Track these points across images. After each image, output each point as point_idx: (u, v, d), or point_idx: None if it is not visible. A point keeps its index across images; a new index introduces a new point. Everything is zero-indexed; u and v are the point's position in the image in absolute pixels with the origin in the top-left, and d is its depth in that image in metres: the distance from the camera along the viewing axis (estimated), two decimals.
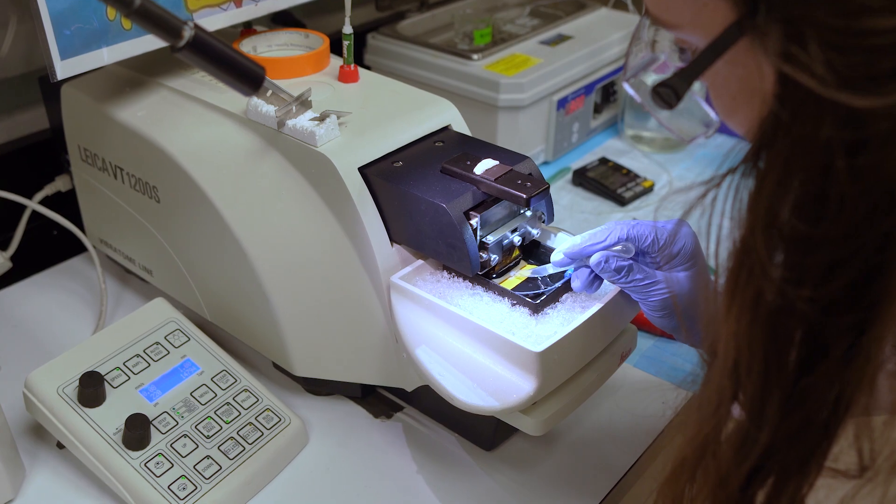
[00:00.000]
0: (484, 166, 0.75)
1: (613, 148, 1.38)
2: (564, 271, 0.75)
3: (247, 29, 0.97)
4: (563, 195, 1.25)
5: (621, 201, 1.21)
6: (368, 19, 1.44)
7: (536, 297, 0.73)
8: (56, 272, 1.08)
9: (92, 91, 0.92)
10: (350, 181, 0.75)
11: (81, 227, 1.04)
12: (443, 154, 0.79)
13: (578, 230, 1.13)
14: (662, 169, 1.31)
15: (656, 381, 0.90)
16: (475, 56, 1.23)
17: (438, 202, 0.72)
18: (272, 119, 0.78)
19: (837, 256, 0.41)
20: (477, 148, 0.81)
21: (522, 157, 0.79)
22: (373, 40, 1.32)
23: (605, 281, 0.74)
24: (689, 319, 0.73)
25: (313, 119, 0.77)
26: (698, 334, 0.73)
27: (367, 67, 1.34)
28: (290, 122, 0.77)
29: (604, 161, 1.29)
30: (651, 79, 1.28)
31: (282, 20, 1.28)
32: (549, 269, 0.76)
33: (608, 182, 1.24)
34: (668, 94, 0.47)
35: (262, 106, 0.79)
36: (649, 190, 1.24)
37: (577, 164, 1.32)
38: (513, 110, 1.21)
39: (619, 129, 1.42)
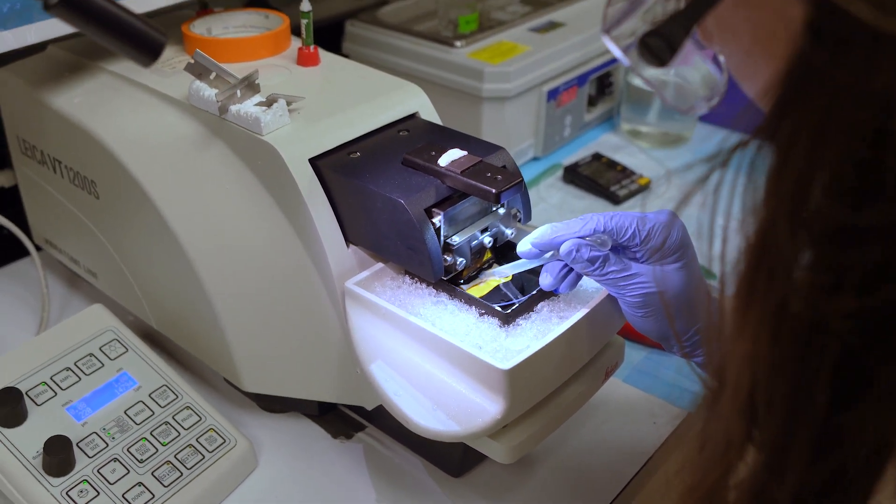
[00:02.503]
0: (450, 157, 0.66)
1: (609, 143, 1.29)
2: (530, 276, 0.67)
3: (203, 9, 0.89)
4: (553, 193, 1.16)
5: (615, 200, 1.13)
6: (349, 6, 1.36)
7: (508, 307, 0.64)
8: (1, 275, 1.00)
9: (29, 76, 0.84)
10: (299, 174, 0.67)
11: (27, 226, 0.96)
12: (407, 144, 0.71)
13: None
14: (661, 166, 1.22)
15: (648, 398, 0.81)
16: (458, 43, 1.15)
17: (396, 198, 0.63)
18: (214, 104, 0.70)
19: (887, 254, 0.31)
20: (445, 137, 0.72)
21: (496, 148, 0.70)
22: (351, 27, 1.23)
23: (581, 279, 0.65)
24: (681, 323, 0.64)
25: (260, 104, 0.69)
26: (691, 342, 0.64)
27: (346, 56, 1.25)
28: (233, 108, 0.69)
29: (597, 157, 1.21)
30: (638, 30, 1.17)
31: (258, 3, 1.20)
32: (507, 269, 0.67)
33: (601, 179, 1.15)
34: (660, 45, 0.37)
35: (205, 90, 0.71)
36: (645, 187, 1.15)
37: (568, 159, 1.23)
38: (498, 101, 1.12)
39: (616, 124, 1.33)
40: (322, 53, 0.82)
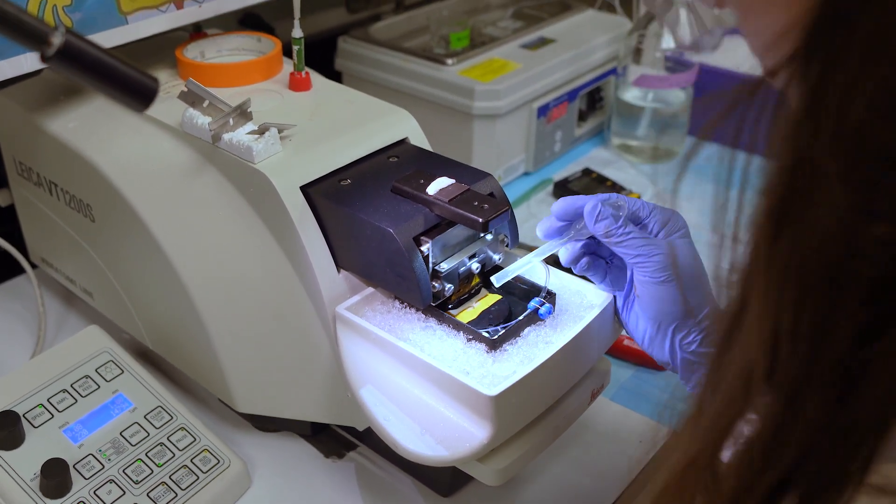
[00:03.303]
0: (438, 185, 0.67)
1: (599, 158, 1.30)
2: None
3: (196, 32, 0.91)
4: (544, 209, 1.17)
5: None
6: (342, 22, 1.37)
7: (495, 332, 0.66)
8: None
9: (25, 100, 0.85)
10: (290, 202, 0.68)
11: (23, 244, 0.97)
12: (396, 171, 0.72)
13: None
14: (650, 181, 1.24)
15: (634, 417, 0.83)
16: (449, 61, 1.16)
17: (385, 227, 0.64)
18: (207, 132, 0.71)
19: None
20: (434, 164, 0.73)
21: (484, 175, 0.72)
22: (343, 44, 1.25)
23: (589, 270, 0.68)
24: (694, 296, 0.65)
25: (252, 133, 0.70)
26: (701, 327, 0.65)
27: (338, 73, 1.27)
28: (226, 136, 0.70)
29: (587, 172, 1.22)
30: (629, 93, 1.21)
31: (250, 23, 1.21)
32: (529, 258, 0.68)
33: (591, 195, 1.16)
34: None
35: (198, 118, 0.72)
36: None
37: (559, 174, 1.25)
38: (489, 118, 1.14)
39: (606, 138, 1.35)
40: (313, 77, 0.83)
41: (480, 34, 1.36)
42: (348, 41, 1.24)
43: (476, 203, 0.65)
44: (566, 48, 1.25)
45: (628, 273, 0.68)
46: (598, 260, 0.70)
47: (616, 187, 1.19)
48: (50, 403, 0.74)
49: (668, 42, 1.24)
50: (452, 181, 0.68)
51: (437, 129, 1.17)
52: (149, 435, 0.74)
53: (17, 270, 1.02)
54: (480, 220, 0.64)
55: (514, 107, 1.15)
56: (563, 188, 1.19)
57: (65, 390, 0.75)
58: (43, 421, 0.72)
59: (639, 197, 1.17)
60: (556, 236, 0.69)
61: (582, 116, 1.31)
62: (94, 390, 0.76)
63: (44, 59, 0.41)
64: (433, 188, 0.67)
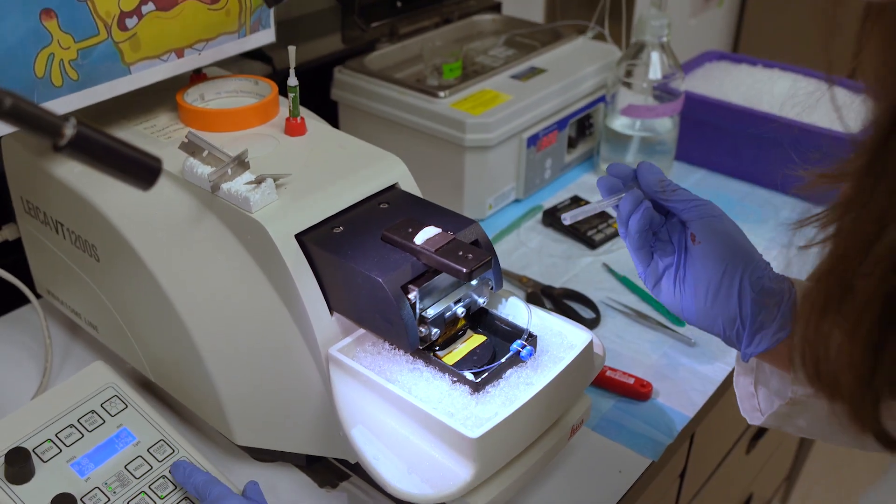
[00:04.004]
0: (425, 235, 0.71)
1: (588, 184, 1.34)
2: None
3: (196, 74, 0.94)
4: (533, 237, 1.21)
5: (591, 244, 1.18)
6: (339, 48, 1.41)
7: (479, 374, 0.70)
8: (5, 322, 1.05)
9: (32, 144, 0.89)
10: (285, 249, 0.72)
11: (30, 277, 1.01)
12: (386, 218, 0.76)
13: (548, 275, 1.11)
14: None
15: (614, 448, 0.87)
16: (442, 93, 1.20)
17: (375, 276, 0.68)
18: (207, 182, 0.75)
19: None
20: (422, 211, 0.77)
21: (469, 222, 0.75)
22: (339, 75, 1.28)
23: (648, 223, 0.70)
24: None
25: (249, 183, 0.74)
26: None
27: (334, 103, 1.31)
28: (224, 186, 0.74)
29: (576, 200, 1.26)
30: (618, 122, 1.25)
31: (249, 54, 1.25)
32: (579, 212, 0.73)
33: (578, 224, 1.20)
34: None
35: (198, 167, 0.76)
36: None
37: (549, 201, 1.28)
38: (480, 150, 1.18)
39: (595, 163, 1.39)
40: (308, 122, 0.87)
41: (473, 62, 1.39)
42: (344, 72, 1.28)
43: (461, 253, 0.69)
44: (556, 78, 1.29)
45: (675, 240, 0.70)
46: (654, 217, 0.71)
47: (604, 215, 1.23)
48: (58, 438, 0.77)
49: (655, 72, 1.27)
50: (439, 230, 0.72)
51: (430, 159, 1.21)
52: (151, 468, 0.78)
53: (25, 300, 1.06)
54: (465, 270, 0.67)
55: (504, 138, 1.19)
56: (552, 216, 1.22)
57: (72, 425, 0.79)
58: (52, 455, 0.76)
59: None
60: (610, 194, 0.72)
61: (572, 143, 1.35)
62: (100, 425, 0.79)
63: (56, 148, 0.45)
64: (420, 237, 0.71)
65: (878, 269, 0.41)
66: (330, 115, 1.32)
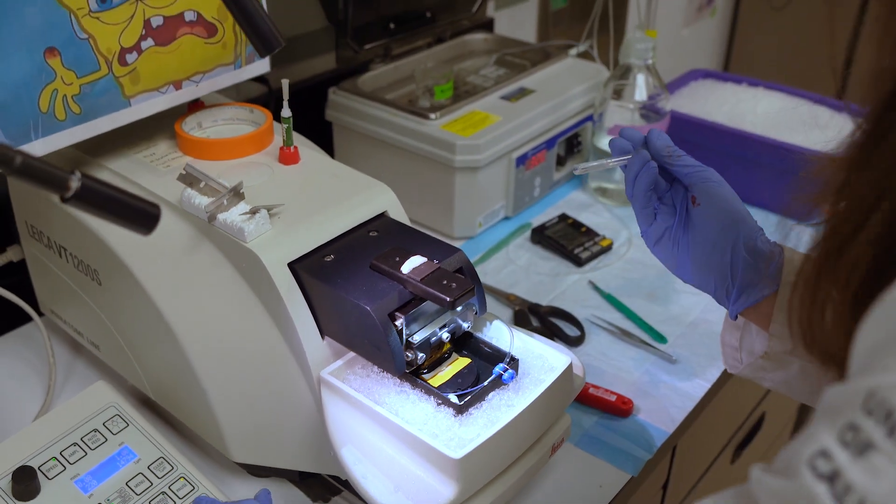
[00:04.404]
0: (411, 264, 0.75)
1: (576, 201, 1.38)
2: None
3: (194, 102, 0.98)
4: (522, 254, 1.25)
5: (578, 262, 1.22)
6: (330, 67, 1.44)
7: (463, 397, 0.73)
8: (9, 339, 1.08)
9: None
10: (279, 277, 0.76)
11: (34, 297, 1.05)
12: (375, 246, 0.80)
13: (535, 292, 1.14)
14: (623, 225, 1.31)
15: (595, 463, 0.90)
16: (433, 115, 1.23)
17: (363, 305, 0.72)
18: (204, 212, 0.78)
19: None
20: (409, 239, 0.81)
21: (454, 251, 0.79)
22: (333, 96, 1.32)
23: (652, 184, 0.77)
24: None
25: (244, 214, 0.78)
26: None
27: (329, 123, 1.34)
28: (220, 216, 0.78)
29: (563, 217, 1.30)
30: (605, 141, 1.30)
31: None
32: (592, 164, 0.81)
33: (566, 241, 1.24)
34: None
35: (195, 197, 0.80)
36: (607, 249, 1.24)
37: (538, 218, 1.32)
38: (470, 170, 1.21)
39: (584, 181, 1.42)
40: (301, 150, 0.91)
41: (464, 82, 1.43)
42: (338, 93, 1.32)
43: (445, 282, 0.73)
44: (545, 98, 1.32)
45: (677, 204, 0.77)
46: (659, 180, 0.78)
47: (591, 232, 1.26)
48: (62, 456, 0.81)
49: (640, 94, 1.31)
50: (425, 260, 0.75)
51: (422, 179, 1.25)
52: (152, 485, 0.81)
53: (29, 318, 1.09)
54: (448, 299, 0.71)
55: (493, 158, 1.23)
56: (540, 234, 1.26)
57: (75, 444, 0.82)
58: (56, 473, 0.80)
59: (610, 244, 1.25)
60: (622, 154, 0.79)
61: (560, 161, 1.38)
62: (102, 443, 0.83)
63: (63, 200, 0.49)
64: (407, 266, 0.75)
65: (870, 235, 0.45)
66: (325, 133, 1.36)
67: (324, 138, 1.37)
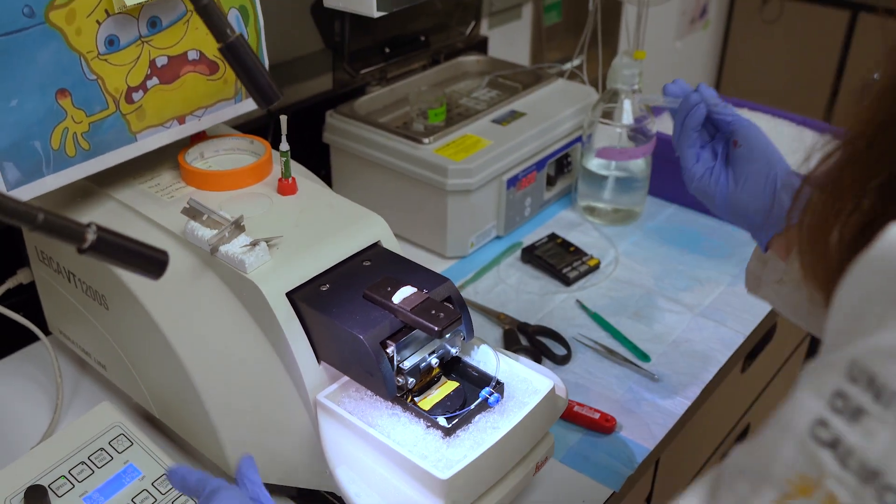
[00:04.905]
0: (402, 294, 0.79)
1: (566, 220, 1.42)
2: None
3: (196, 134, 1.02)
4: (512, 273, 1.29)
5: (566, 281, 1.26)
6: (326, 88, 1.48)
7: (451, 420, 0.78)
8: (19, 357, 1.13)
9: (44, 200, 0.97)
10: (277, 307, 0.80)
11: (42, 317, 1.09)
12: (368, 275, 0.84)
13: (524, 311, 1.19)
14: (610, 244, 1.36)
15: (579, 479, 0.95)
16: (426, 140, 1.28)
17: (356, 333, 0.76)
18: (207, 244, 0.83)
19: None
20: (401, 269, 0.85)
21: (442, 280, 0.83)
22: (330, 119, 1.36)
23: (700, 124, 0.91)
24: None
25: (245, 246, 0.82)
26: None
27: (326, 146, 1.39)
28: (222, 248, 0.82)
29: (553, 237, 1.34)
30: (594, 162, 1.38)
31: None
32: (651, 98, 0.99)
33: (555, 261, 1.28)
34: None
35: (199, 230, 0.84)
36: (594, 268, 1.29)
37: (529, 237, 1.36)
38: (462, 193, 1.26)
39: (573, 200, 1.47)
40: (299, 181, 0.95)
41: (457, 105, 1.47)
42: (335, 116, 1.36)
43: (434, 311, 0.77)
44: (535, 121, 1.37)
45: (718, 150, 0.90)
46: (706, 126, 0.92)
47: (579, 252, 1.31)
48: (71, 475, 0.85)
49: (627, 118, 1.36)
50: (415, 290, 0.80)
51: (416, 200, 1.30)
52: (156, 500, 0.86)
53: (37, 337, 1.14)
54: (436, 328, 0.76)
55: (485, 181, 1.27)
56: (530, 253, 1.30)
57: (83, 462, 0.87)
58: (65, 491, 0.84)
59: (597, 263, 1.29)
60: (674, 97, 0.92)
61: (551, 181, 1.43)
62: (108, 461, 0.87)
63: (80, 251, 0.53)
64: (398, 297, 0.79)
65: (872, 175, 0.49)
66: (323, 154, 1.40)
67: (322, 159, 1.41)
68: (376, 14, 1.06)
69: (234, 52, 0.68)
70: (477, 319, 1.18)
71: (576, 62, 1.58)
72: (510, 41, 1.91)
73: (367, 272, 0.85)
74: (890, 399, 0.39)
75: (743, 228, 0.90)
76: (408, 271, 0.85)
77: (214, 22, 0.67)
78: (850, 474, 0.40)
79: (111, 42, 0.84)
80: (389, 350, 0.77)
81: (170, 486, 0.87)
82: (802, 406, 0.43)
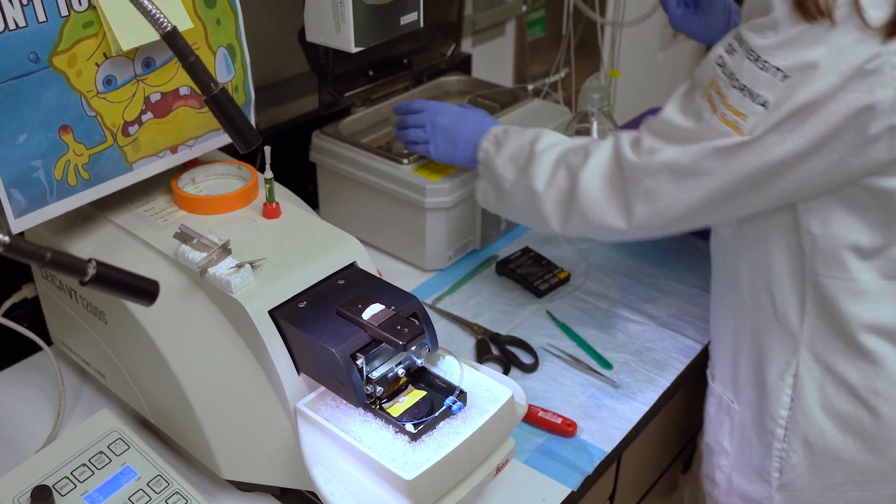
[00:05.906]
0: (371, 311, 0.87)
1: (539, 234, 1.50)
2: None
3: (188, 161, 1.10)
4: (487, 285, 1.37)
5: (538, 293, 1.34)
6: (312, 108, 1.55)
7: (417, 426, 0.86)
8: (23, 367, 1.21)
9: (48, 222, 1.05)
10: (261, 323, 0.88)
11: (45, 329, 1.17)
12: (342, 293, 0.92)
13: (497, 322, 1.27)
14: (581, 258, 1.44)
15: (541, 478, 1.03)
16: (405, 161, 1.36)
17: (329, 347, 0.84)
18: (196, 266, 0.91)
19: None
20: (372, 287, 0.93)
21: (409, 298, 0.92)
22: (316, 139, 1.44)
23: None
24: None
25: (231, 268, 0.90)
26: None
27: (313, 165, 1.47)
28: (210, 270, 0.90)
29: (526, 251, 1.42)
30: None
31: None
32: None
33: (527, 273, 1.36)
34: None
35: (189, 252, 0.93)
36: (565, 281, 1.37)
37: (505, 250, 1.45)
38: (439, 210, 1.34)
39: None
40: (282, 205, 1.03)
41: None
42: (321, 137, 1.44)
43: (399, 327, 0.86)
44: None
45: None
46: None
47: (551, 265, 1.39)
48: (73, 476, 0.94)
49: (596, 137, 1.44)
50: (383, 307, 0.88)
51: (396, 217, 1.38)
52: (151, 499, 0.94)
53: (40, 347, 1.22)
54: (401, 342, 0.84)
55: (461, 199, 1.35)
56: (504, 266, 1.39)
57: (84, 464, 0.95)
58: (68, 490, 0.92)
59: (567, 276, 1.37)
60: None
61: None
62: (107, 463, 0.96)
63: (82, 283, 0.61)
64: (368, 313, 0.87)
65: None
66: (309, 171, 1.48)
67: (309, 175, 1.49)
68: (354, 49, 1.14)
69: (217, 103, 0.77)
70: (452, 330, 1.27)
71: (552, 79, 1.67)
72: (494, 58, 1.99)
73: (342, 290, 0.93)
74: (745, 47, 0.88)
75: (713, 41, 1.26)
76: (379, 289, 0.93)
77: (200, 77, 0.75)
78: (724, 75, 0.90)
79: (109, 81, 0.92)
80: (359, 362, 0.85)
81: (163, 486, 0.95)
82: (715, 50, 0.92)
